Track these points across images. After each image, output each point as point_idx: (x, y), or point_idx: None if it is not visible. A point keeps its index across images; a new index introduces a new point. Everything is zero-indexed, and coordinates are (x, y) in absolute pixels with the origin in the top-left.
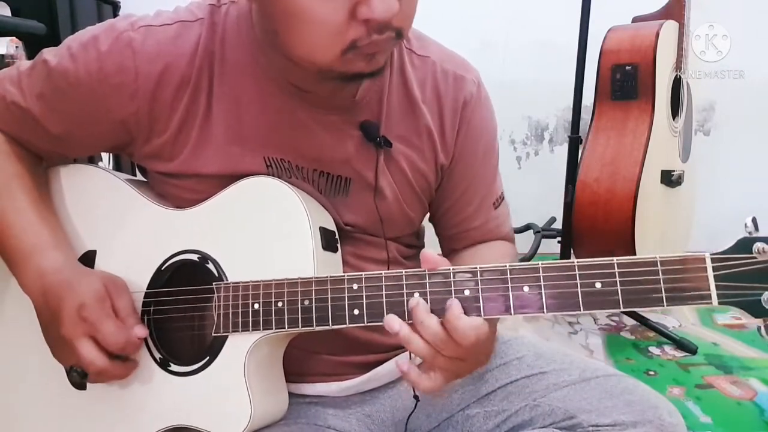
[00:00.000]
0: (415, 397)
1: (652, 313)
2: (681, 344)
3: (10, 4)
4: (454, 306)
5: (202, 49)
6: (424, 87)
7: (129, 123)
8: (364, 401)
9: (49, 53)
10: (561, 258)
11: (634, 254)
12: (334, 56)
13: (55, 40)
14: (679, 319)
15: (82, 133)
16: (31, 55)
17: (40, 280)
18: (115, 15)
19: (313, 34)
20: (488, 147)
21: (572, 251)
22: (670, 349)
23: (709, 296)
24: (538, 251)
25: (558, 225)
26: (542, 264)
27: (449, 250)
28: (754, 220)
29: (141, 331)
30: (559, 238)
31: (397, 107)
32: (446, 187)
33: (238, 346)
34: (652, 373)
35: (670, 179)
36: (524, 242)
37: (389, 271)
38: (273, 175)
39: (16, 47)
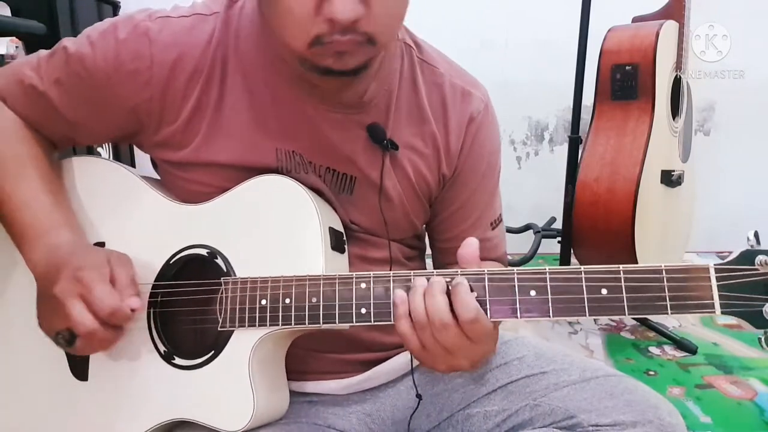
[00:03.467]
0: (418, 396)
1: None
2: (681, 344)
3: (10, 4)
4: (464, 282)
5: (216, 42)
6: (432, 97)
7: (140, 110)
8: (364, 400)
9: (68, 41)
10: (561, 257)
11: (634, 254)
12: (303, 46)
13: (54, 40)
14: (679, 319)
15: (94, 120)
16: None
17: (49, 254)
18: (115, 15)
19: (285, 21)
20: (490, 166)
21: (572, 251)
22: (670, 349)
23: (713, 305)
24: (538, 251)
25: (558, 225)
26: (549, 269)
27: (442, 264)
28: (756, 235)
29: (134, 302)
30: (559, 238)
31: (405, 113)
32: (445, 197)
33: (243, 341)
34: (652, 373)
35: (670, 179)
36: (524, 242)
37: (398, 271)
38: (283, 168)
39: (16, 47)
